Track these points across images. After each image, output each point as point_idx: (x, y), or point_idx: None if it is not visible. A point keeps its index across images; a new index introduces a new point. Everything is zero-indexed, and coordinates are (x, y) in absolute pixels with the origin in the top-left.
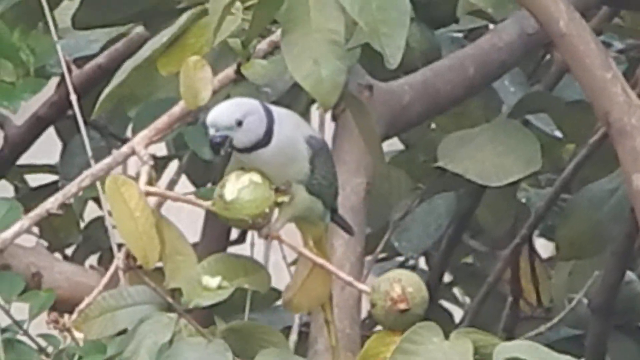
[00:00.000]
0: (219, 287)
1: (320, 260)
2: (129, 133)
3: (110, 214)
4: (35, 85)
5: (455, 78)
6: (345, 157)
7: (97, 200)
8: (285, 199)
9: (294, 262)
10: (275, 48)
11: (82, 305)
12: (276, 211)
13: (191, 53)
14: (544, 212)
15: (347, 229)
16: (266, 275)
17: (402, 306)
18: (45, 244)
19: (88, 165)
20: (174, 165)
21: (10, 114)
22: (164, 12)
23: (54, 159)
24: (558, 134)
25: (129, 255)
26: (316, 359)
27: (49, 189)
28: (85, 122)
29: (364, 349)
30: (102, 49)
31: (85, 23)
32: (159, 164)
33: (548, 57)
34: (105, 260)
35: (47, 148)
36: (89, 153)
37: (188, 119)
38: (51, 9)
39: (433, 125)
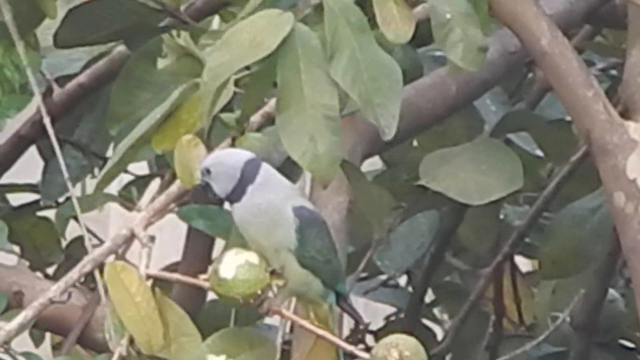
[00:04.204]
0: None
1: (321, 332)
2: (110, 152)
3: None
4: (21, 101)
5: (437, 96)
6: None
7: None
8: (280, 282)
9: None
10: (268, 119)
11: None
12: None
13: (185, 129)
14: (526, 230)
15: (356, 317)
16: (272, 348)
17: None
18: (27, 263)
19: (66, 186)
20: (155, 183)
21: None
22: (145, 31)
23: (35, 178)
24: (539, 152)
25: (132, 340)
26: None
27: (31, 208)
28: (67, 142)
29: None
30: (84, 68)
31: (66, 42)
32: (141, 183)
33: (530, 75)
34: (87, 279)
35: (28, 167)
36: (65, 175)
37: (185, 199)
38: (33, 28)
39: (415, 144)
